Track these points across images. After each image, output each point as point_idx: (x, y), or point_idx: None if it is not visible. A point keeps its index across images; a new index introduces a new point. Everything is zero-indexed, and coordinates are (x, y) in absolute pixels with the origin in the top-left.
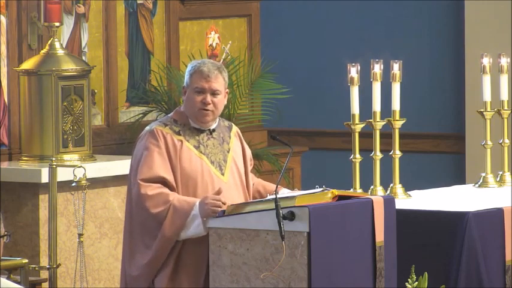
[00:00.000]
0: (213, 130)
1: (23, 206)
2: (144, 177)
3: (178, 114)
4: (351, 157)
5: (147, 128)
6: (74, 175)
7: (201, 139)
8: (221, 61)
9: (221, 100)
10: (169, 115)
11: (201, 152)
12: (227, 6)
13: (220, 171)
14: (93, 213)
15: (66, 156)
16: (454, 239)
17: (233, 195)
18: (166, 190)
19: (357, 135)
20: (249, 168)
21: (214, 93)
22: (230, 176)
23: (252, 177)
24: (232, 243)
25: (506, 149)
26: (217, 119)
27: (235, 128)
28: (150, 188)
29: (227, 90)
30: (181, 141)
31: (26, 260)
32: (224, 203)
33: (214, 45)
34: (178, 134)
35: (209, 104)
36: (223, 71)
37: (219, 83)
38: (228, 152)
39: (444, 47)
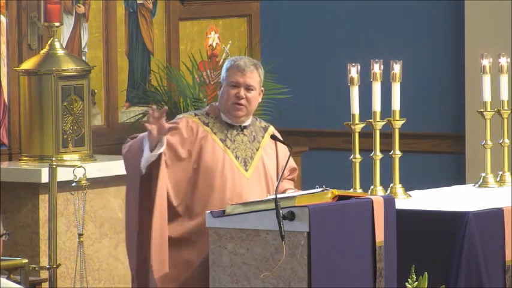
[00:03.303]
0: (245, 127)
1: (23, 206)
2: (133, 135)
3: (211, 108)
4: (351, 157)
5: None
6: (74, 175)
7: (230, 134)
8: (221, 61)
9: (255, 96)
10: (204, 108)
11: (226, 145)
12: (227, 6)
13: (244, 167)
14: (93, 213)
15: (66, 156)
16: (454, 239)
17: (254, 192)
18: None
19: (357, 135)
20: (284, 174)
21: (248, 88)
22: (254, 173)
23: (288, 182)
24: (232, 243)
25: (506, 149)
26: (252, 118)
27: (271, 129)
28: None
29: (262, 88)
30: (207, 132)
31: (26, 260)
32: (156, 116)
33: (214, 45)
34: (206, 125)
35: (242, 98)
36: (259, 67)
37: (254, 78)
38: (257, 150)
39: (444, 47)
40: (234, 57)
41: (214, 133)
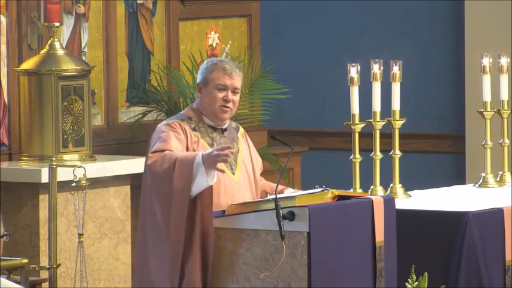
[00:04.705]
0: (225, 129)
1: (23, 206)
2: (155, 149)
3: (191, 112)
4: (351, 157)
5: (163, 122)
6: (74, 175)
7: (215, 137)
8: None
9: (238, 99)
10: (181, 113)
11: None
12: (227, 6)
13: (231, 170)
14: (93, 213)
15: (66, 156)
16: (454, 239)
17: (244, 195)
18: (171, 151)
19: (356, 135)
20: (258, 172)
21: (234, 91)
22: (240, 176)
23: (260, 179)
24: (232, 243)
25: (506, 149)
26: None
27: (242, 130)
28: (155, 155)
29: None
30: (198, 137)
31: (26, 260)
32: (228, 155)
33: (214, 45)
34: (195, 130)
35: (230, 101)
36: (241, 70)
37: (239, 81)
38: (238, 152)
39: (444, 47)
40: (215, 59)
41: (202, 137)
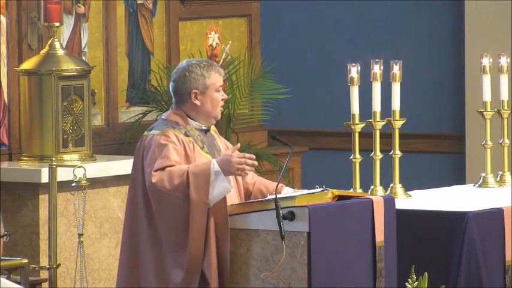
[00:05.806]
0: (207, 130)
1: (23, 206)
2: (158, 167)
3: (176, 117)
4: (351, 157)
5: (153, 132)
6: (74, 175)
7: (203, 139)
8: (221, 61)
9: None
10: (164, 119)
11: (206, 152)
12: (227, 6)
13: None
14: (93, 213)
15: (66, 156)
16: (454, 239)
17: (235, 196)
18: (175, 166)
19: (356, 135)
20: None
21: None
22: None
23: (253, 176)
24: (232, 243)
25: (506, 149)
26: None
27: (213, 126)
28: (159, 174)
29: None
30: (192, 142)
31: (26, 260)
32: (252, 165)
33: (214, 45)
34: (186, 135)
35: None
36: None
37: None
38: (220, 150)
39: (444, 47)
40: (201, 63)
41: (195, 141)
